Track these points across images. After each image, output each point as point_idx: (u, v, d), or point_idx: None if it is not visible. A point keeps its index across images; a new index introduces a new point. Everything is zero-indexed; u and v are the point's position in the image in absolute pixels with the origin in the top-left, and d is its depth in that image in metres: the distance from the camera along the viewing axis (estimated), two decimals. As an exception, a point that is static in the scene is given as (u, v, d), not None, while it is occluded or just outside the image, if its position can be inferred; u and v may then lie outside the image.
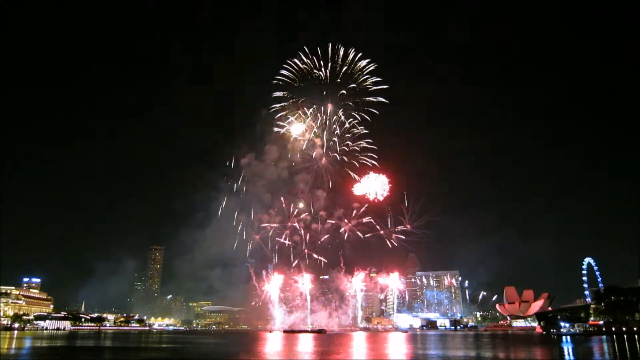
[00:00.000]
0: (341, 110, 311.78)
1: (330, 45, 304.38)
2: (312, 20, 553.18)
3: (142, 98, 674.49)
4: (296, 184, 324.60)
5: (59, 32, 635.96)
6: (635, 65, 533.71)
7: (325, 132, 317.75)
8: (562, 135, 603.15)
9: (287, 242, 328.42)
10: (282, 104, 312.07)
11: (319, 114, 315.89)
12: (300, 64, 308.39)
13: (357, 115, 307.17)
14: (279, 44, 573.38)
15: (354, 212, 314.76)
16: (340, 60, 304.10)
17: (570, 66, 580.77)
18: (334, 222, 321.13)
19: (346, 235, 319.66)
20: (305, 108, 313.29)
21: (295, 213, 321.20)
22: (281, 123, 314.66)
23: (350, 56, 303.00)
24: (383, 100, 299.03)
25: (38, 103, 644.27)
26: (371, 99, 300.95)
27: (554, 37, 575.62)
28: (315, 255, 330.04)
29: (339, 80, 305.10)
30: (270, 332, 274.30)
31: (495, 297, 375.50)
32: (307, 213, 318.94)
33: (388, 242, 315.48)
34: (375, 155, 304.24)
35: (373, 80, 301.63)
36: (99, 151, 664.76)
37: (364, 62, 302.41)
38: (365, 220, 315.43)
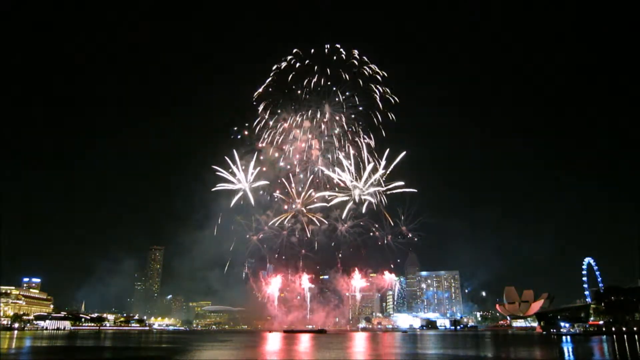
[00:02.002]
0: (340, 111, 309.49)
1: (327, 46, 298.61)
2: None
3: (142, 99, 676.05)
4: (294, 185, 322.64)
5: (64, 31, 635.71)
6: (635, 66, 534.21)
7: (322, 134, 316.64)
8: (562, 135, 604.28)
9: (284, 243, 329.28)
10: (275, 116, 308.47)
11: (315, 117, 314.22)
12: (292, 67, 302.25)
13: (357, 125, 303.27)
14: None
15: (350, 212, 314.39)
16: (339, 61, 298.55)
17: (571, 67, 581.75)
18: (330, 223, 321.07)
19: (342, 236, 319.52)
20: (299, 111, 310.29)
21: (292, 214, 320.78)
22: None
23: (353, 58, 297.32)
24: (391, 115, 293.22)
25: (38, 102, 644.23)
26: (376, 112, 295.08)
27: (555, 37, 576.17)
28: (312, 256, 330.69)
29: (335, 88, 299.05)
30: (270, 332, 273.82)
31: (495, 297, 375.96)
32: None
33: (385, 243, 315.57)
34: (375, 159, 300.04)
35: (378, 84, 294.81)
36: (99, 151, 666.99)
37: (368, 68, 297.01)
38: (361, 222, 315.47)
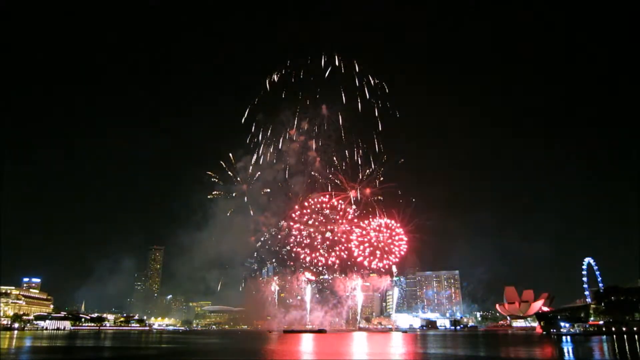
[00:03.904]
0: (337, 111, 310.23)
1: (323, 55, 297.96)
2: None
3: (142, 100, 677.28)
4: (291, 187, 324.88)
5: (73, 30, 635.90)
6: (635, 64, 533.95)
7: (319, 136, 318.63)
8: (563, 135, 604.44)
9: (283, 243, 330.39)
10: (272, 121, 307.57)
11: (313, 125, 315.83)
12: (288, 77, 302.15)
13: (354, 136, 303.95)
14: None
15: (348, 213, 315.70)
16: (337, 72, 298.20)
17: (571, 65, 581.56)
18: (327, 223, 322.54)
19: (340, 236, 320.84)
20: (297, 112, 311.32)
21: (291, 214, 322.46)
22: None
23: (352, 69, 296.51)
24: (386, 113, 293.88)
25: (37, 102, 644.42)
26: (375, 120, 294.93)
27: (554, 36, 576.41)
28: (311, 256, 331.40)
29: (333, 97, 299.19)
30: (270, 332, 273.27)
31: (495, 297, 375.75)
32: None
33: (383, 243, 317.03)
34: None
35: (378, 97, 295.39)
36: (99, 151, 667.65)
37: (366, 79, 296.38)
38: (359, 222, 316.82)
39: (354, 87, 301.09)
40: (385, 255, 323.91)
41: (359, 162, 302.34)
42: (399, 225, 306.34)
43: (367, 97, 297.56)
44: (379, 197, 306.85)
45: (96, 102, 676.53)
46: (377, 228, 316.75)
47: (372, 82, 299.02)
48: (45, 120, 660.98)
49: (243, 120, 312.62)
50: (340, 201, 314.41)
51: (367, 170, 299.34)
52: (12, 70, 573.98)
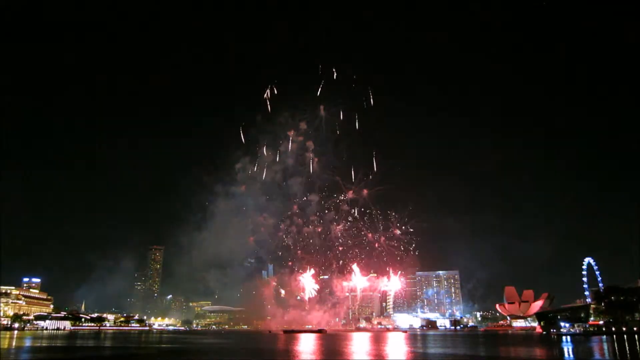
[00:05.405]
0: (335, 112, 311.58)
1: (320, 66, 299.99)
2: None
3: (142, 101, 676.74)
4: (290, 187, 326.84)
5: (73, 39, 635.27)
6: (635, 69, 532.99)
7: (317, 136, 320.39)
8: (563, 134, 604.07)
9: (282, 244, 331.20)
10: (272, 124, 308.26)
11: (311, 119, 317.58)
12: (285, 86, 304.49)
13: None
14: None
15: (345, 214, 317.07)
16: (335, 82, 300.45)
17: (572, 63, 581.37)
18: (326, 225, 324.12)
19: (339, 237, 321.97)
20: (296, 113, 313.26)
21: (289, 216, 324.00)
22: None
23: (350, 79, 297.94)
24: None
25: (38, 104, 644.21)
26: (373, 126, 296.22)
27: (554, 32, 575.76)
28: (310, 257, 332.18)
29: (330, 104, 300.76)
30: (269, 332, 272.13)
31: (495, 297, 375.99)
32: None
33: (381, 244, 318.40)
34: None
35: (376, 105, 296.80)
36: (99, 152, 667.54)
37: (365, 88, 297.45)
38: (358, 223, 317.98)
39: (353, 92, 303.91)
40: (384, 256, 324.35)
41: (356, 166, 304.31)
42: (397, 225, 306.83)
43: (365, 106, 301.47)
44: (378, 206, 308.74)
45: (96, 104, 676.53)
46: (375, 228, 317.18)
47: (370, 90, 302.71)
48: (45, 122, 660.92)
49: (243, 123, 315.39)
50: (338, 202, 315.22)
51: (365, 178, 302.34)
52: (11, 70, 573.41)
